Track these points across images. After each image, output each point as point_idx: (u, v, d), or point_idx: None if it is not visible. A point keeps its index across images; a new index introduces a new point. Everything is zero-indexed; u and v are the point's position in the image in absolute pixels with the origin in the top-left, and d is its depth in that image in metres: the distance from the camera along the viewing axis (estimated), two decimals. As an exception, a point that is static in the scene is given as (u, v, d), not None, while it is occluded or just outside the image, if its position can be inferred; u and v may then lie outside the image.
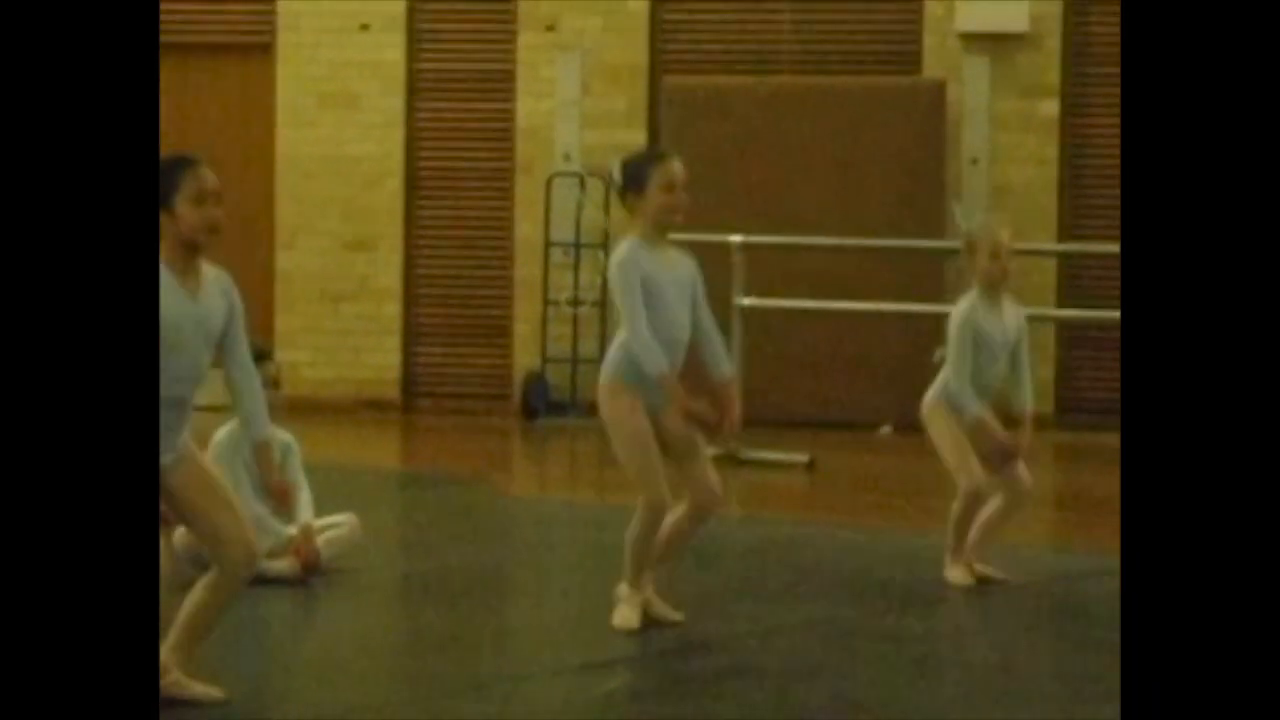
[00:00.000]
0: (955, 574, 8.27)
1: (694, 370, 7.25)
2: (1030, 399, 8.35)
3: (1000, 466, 8.22)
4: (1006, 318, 8.28)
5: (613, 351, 7.11)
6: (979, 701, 6.49)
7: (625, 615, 7.21)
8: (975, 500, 8.17)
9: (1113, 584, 8.51)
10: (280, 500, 6.28)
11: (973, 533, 8.26)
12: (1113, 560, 9.02)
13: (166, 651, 5.89)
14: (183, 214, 5.75)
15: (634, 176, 7.11)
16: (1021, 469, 8.25)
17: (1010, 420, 8.33)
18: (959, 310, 8.23)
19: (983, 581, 8.26)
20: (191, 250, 5.84)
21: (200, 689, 6.01)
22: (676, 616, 7.33)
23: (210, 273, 5.94)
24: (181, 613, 6.01)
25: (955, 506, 8.21)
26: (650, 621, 7.25)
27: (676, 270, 7.11)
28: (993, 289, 8.23)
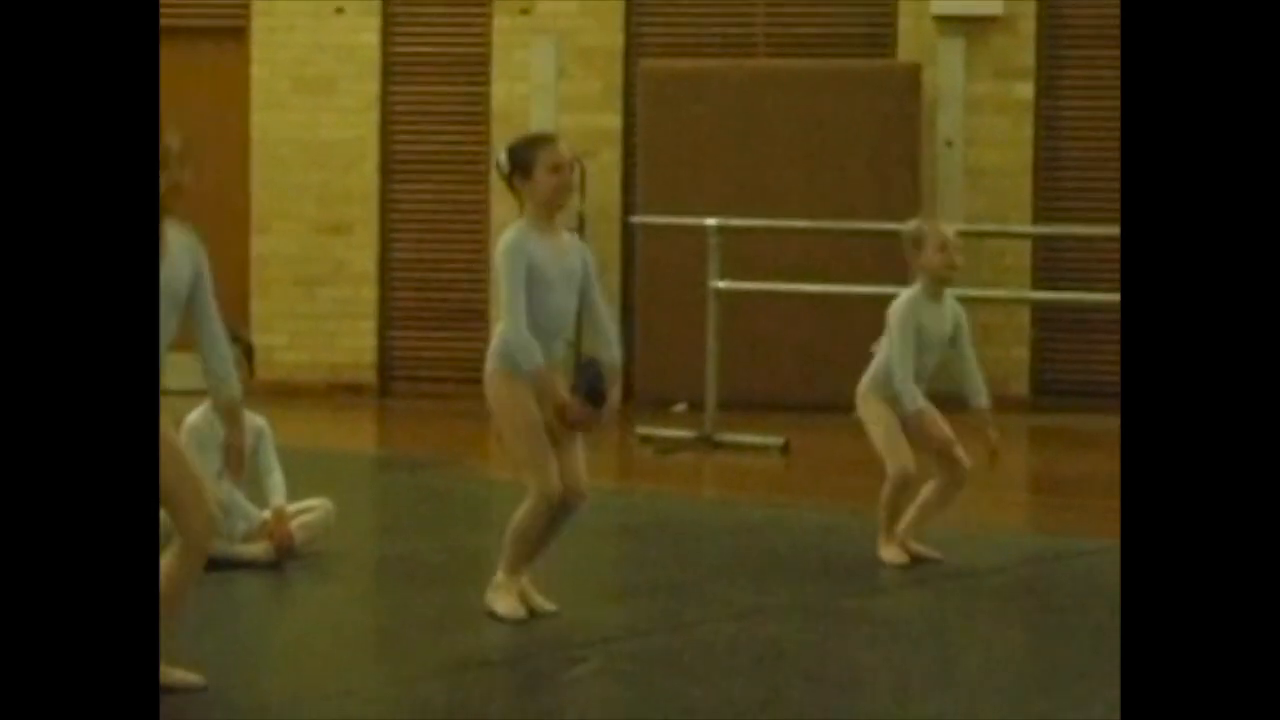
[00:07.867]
0: (889, 553, 8.41)
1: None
2: (984, 392, 8.46)
3: (939, 448, 8.33)
4: (945, 311, 8.41)
5: (496, 340, 7.03)
6: (954, 682, 6.51)
7: (510, 605, 7.08)
8: (904, 484, 8.32)
9: (1087, 565, 8.57)
10: (233, 465, 6.13)
11: (911, 512, 8.42)
12: (1087, 542, 9.08)
13: None
14: None
15: (520, 161, 7.13)
16: (960, 451, 8.33)
17: (958, 403, 8.43)
18: (901, 304, 8.34)
19: (917, 560, 8.38)
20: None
21: (179, 675, 5.92)
22: (552, 607, 7.18)
23: (175, 235, 5.84)
24: None
25: (885, 490, 8.36)
26: (528, 612, 7.11)
27: (566, 257, 7.07)
28: (940, 283, 8.36)
